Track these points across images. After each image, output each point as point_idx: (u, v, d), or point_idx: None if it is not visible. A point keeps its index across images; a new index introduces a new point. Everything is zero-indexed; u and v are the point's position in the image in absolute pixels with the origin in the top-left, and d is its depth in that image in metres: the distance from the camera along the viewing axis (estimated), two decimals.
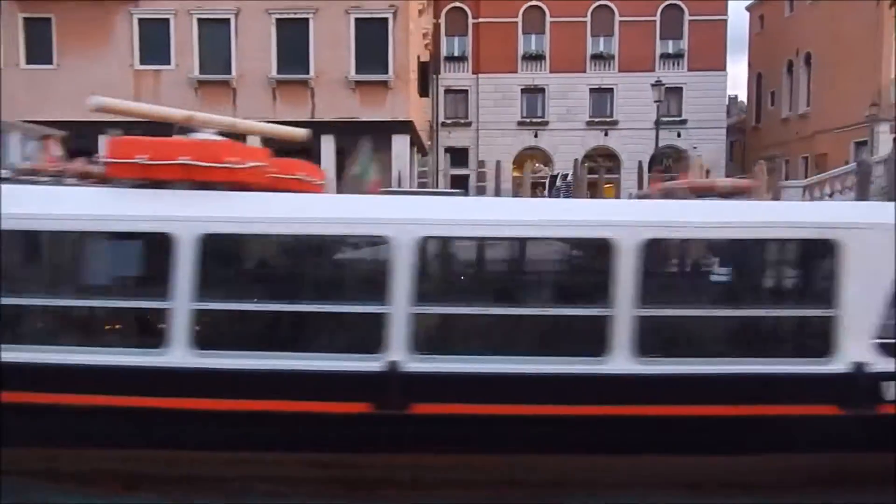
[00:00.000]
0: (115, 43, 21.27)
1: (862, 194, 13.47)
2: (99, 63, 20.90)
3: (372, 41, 20.66)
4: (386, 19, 20.61)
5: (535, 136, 35.09)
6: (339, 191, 21.43)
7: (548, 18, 34.87)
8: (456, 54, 35.66)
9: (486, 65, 35.11)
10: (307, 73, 21.10)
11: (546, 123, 35.20)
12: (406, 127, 21.14)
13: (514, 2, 34.72)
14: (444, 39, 35.50)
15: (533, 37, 35.16)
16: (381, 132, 21.12)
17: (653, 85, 26.42)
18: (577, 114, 34.79)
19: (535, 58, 35.17)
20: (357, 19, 20.91)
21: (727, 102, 39.97)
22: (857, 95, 30.28)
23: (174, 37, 21.28)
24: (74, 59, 20.82)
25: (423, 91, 26.15)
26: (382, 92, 21.01)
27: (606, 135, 33.99)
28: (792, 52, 35.85)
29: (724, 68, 34.94)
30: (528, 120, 35.25)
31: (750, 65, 41.18)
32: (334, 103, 21.07)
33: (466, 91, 35.52)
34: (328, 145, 21.31)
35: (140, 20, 21.31)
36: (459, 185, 33.93)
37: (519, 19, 34.97)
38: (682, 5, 34.50)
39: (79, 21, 20.77)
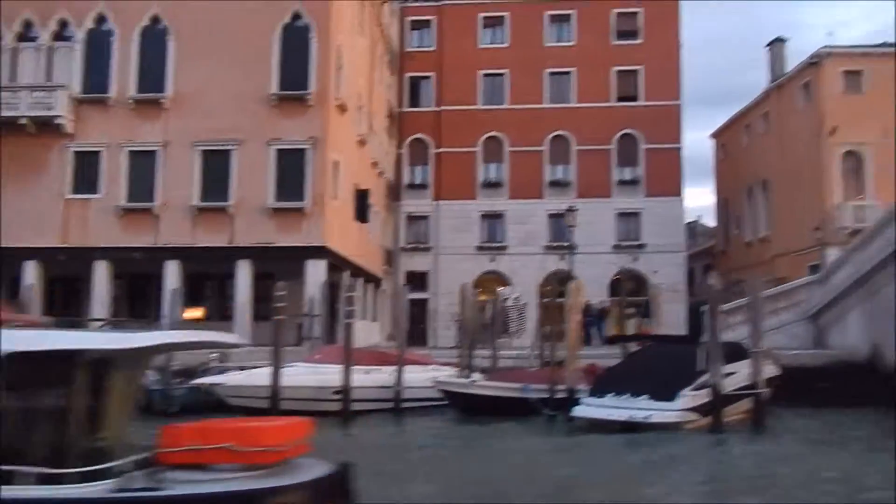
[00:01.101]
0: (49, 174, 22.26)
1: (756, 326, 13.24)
2: (32, 193, 21.83)
3: (291, 170, 21.36)
4: (305, 150, 21.37)
5: (492, 260, 35.25)
6: (255, 314, 21.75)
7: (506, 148, 35.91)
8: (418, 182, 36.64)
9: (446, 192, 35.92)
10: (227, 200, 21.74)
11: (505, 248, 35.44)
12: (321, 252, 21.40)
13: (473, 133, 35.96)
14: (406, 168, 36.68)
15: (492, 165, 36.09)
16: (297, 257, 21.46)
17: (566, 210, 27.08)
18: (535, 238, 35.01)
19: (493, 185, 35.95)
20: (277, 150, 21.74)
21: (686, 227, 40.14)
22: (810, 219, 30.23)
23: (105, 168, 22.23)
24: (10, 189, 21.69)
25: (361, 217, 26.65)
26: (298, 218, 21.47)
27: (562, 259, 33.96)
28: (751, 178, 36.24)
29: (679, 194, 35.22)
30: (486, 245, 35.56)
31: (717, 191, 41.60)
32: (252, 229, 21.55)
33: (427, 217, 36.19)
34: (244, 270, 21.62)
35: (74, 153, 22.39)
36: (419, 309, 34.10)
37: (479, 149, 36.07)
38: (637, 135, 35.35)
39: (17, 154, 21.83)
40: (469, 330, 18.37)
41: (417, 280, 34.73)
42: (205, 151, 21.95)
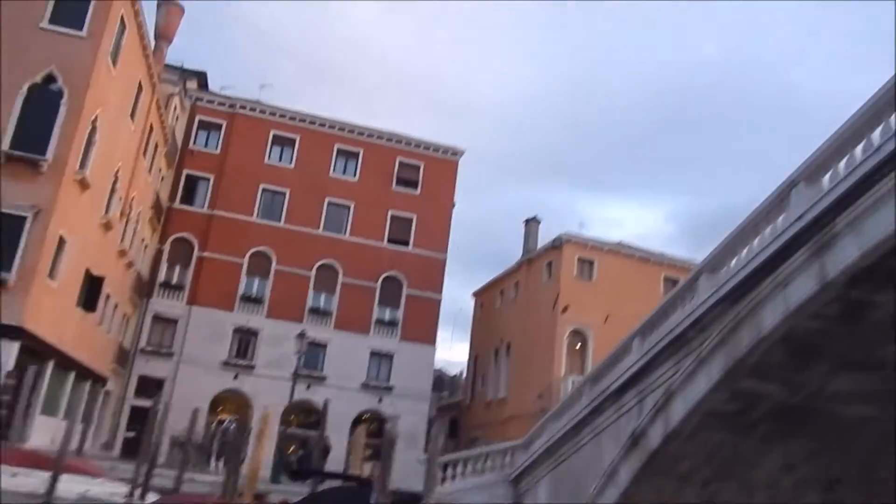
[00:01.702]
0: None
1: (386, 466, 13.25)
2: None
3: (3, 236, 19.18)
4: (24, 218, 19.44)
5: (236, 377, 33.56)
6: None
7: (273, 265, 35.45)
8: (174, 282, 34.69)
9: (203, 298, 34.27)
10: None
11: (252, 367, 34.00)
12: (16, 333, 19.00)
13: (243, 244, 35.21)
14: (164, 266, 34.71)
15: (256, 280, 35.30)
16: None
17: (296, 336, 27.14)
18: (285, 362, 34.00)
19: (253, 300, 34.97)
20: None
21: (450, 378, 41.44)
22: (539, 386, 32.36)
23: None
24: None
25: (88, 305, 24.36)
26: None
27: (308, 388, 33.15)
28: (499, 340, 38.56)
29: (433, 343, 36.49)
30: (234, 361, 33.90)
31: (471, 347, 43.67)
32: None
33: (176, 321, 34.03)
34: None
35: None
36: (141, 417, 31.05)
37: (245, 261, 35.24)
38: (402, 278, 36.62)
39: None
40: (180, 448, 16.86)
41: (152, 386, 31.92)
42: None
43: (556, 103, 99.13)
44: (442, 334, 64.44)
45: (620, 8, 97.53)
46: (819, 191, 9.66)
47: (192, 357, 33.36)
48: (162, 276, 34.56)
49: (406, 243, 37.28)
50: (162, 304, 34.16)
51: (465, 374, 49.05)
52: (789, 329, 10.26)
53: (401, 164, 38.27)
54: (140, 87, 26.96)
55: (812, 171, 9.95)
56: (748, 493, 14.17)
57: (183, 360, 33.46)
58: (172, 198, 35.61)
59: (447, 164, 39.13)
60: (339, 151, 37.66)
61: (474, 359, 42.35)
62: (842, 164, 9.56)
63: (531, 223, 38.68)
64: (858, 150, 9.16)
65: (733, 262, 11.41)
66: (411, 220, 37.59)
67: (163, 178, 34.80)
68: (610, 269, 32.21)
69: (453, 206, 39.58)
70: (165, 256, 34.85)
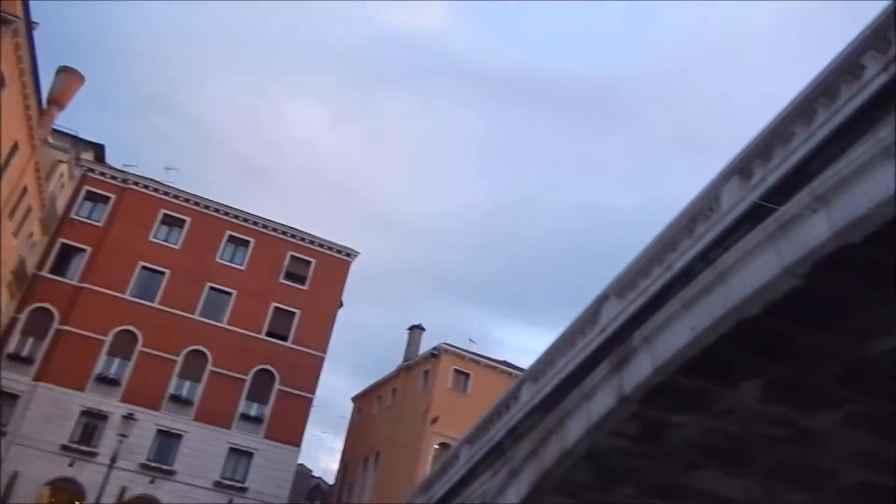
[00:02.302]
0: None
1: None
2: None
3: None
4: None
5: (72, 464, 30.64)
6: None
7: (139, 346, 33.43)
8: (24, 354, 32.08)
9: (52, 375, 31.70)
10: None
11: (95, 455, 31.16)
12: None
13: (109, 321, 33.24)
14: (16, 336, 32.18)
15: (117, 360, 33.06)
16: None
17: (123, 416, 25.29)
18: (134, 453, 31.34)
19: (110, 382, 32.59)
20: None
21: (310, 485, 39.25)
22: (403, 497, 30.91)
23: None
24: None
25: None
26: None
27: (153, 482, 30.59)
28: (370, 447, 37.13)
29: (299, 444, 34.76)
30: (74, 446, 31.07)
31: (343, 454, 41.84)
32: None
33: (18, 396, 31.18)
34: None
35: None
36: None
37: (108, 339, 33.12)
38: (275, 373, 35.19)
39: None
40: None
41: None
42: None
43: (489, 232, 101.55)
44: (321, 441, 61.65)
45: (551, 151, 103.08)
46: (625, 305, 9.85)
47: (29, 438, 30.41)
48: (11, 347, 31.95)
49: (285, 338, 36.10)
50: (5, 377, 31.35)
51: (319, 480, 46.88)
52: (593, 445, 10.13)
53: (292, 258, 37.70)
54: (16, 146, 25.89)
55: (622, 285, 10.18)
56: None
57: (16, 439, 30.44)
58: (41, 265, 33.57)
59: (339, 264, 38.80)
60: (230, 238, 36.85)
61: (344, 466, 40.49)
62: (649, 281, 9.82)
63: (415, 330, 38.37)
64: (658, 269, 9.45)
65: (551, 372, 11.37)
66: (294, 315, 36.63)
67: (34, 245, 32.93)
68: (486, 384, 31.93)
69: (341, 305, 38.97)
70: (20, 326, 32.38)
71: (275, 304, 36.39)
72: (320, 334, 36.74)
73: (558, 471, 10.58)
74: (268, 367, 35.13)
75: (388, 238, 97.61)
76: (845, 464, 9.73)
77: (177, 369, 33.56)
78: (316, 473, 50.10)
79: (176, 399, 33.15)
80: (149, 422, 31.89)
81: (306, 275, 37.67)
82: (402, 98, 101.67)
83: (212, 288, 35.40)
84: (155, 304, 34.14)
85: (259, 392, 34.71)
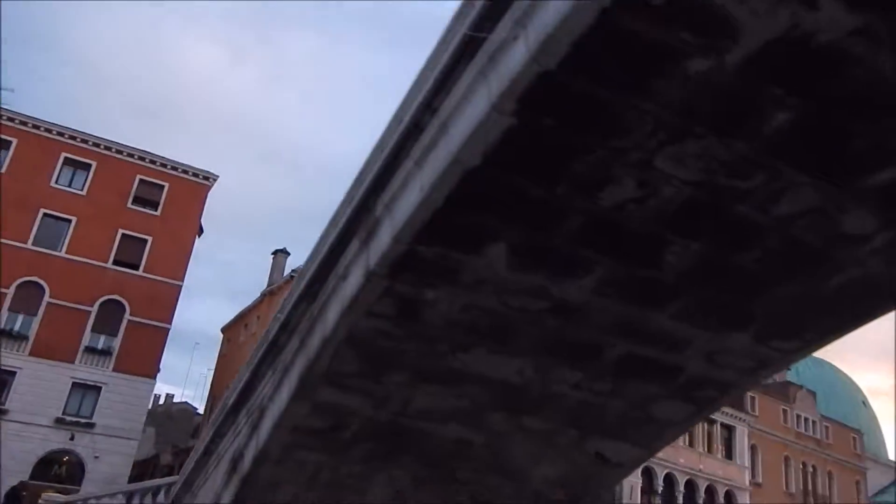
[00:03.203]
0: None
1: None
2: None
3: None
4: None
5: None
6: None
7: None
8: None
9: None
10: None
11: None
12: None
13: None
14: None
15: None
16: None
17: None
18: None
19: None
20: None
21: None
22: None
23: None
24: None
25: None
26: None
27: None
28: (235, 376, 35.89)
29: (154, 376, 33.20)
30: None
31: (212, 385, 40.54)
32: None
33: None
34: None
35: None
36: None
37: None
38: (125, 304, 33.14)
39: None
40: None
41: None
42: None
43: None
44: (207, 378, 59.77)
45: None
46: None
47: None
48: None
49: (136, 266, 33.93)
50: None
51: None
52: (351, 328, 9.35)
53: (141, 181, 35.16)
54: None
55: (375, 151, 9.28)
56: None
57: None
58: None
59: (196, 188, 36.60)
60: (67, 161, 33.87)
61: (212, 398, 39.24)
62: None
63: (279, 255, 37.03)
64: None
65: (318, 258, 10.48)
66: (145, 242, 34.39)
67: None
68: None
69: (200, 232, 36.96)
70: None
71: (122, 231, 34.01)
72: (176, 262, 34.79)
73: (323, 360, 9.79)
74: (116, 297, 33.03)
75: (283, 173, 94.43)
76: (607, 336, 9.40)
77: (7, 302, 30.94)
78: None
79: (7, 334, 30.64)
80: None
81: (159, 200, 35.31)
82: (307, 38, 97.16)
83: (46, 215, 32.59)
84: None
85: (106, 324, 32.67)
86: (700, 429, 44.10)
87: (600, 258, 8.24)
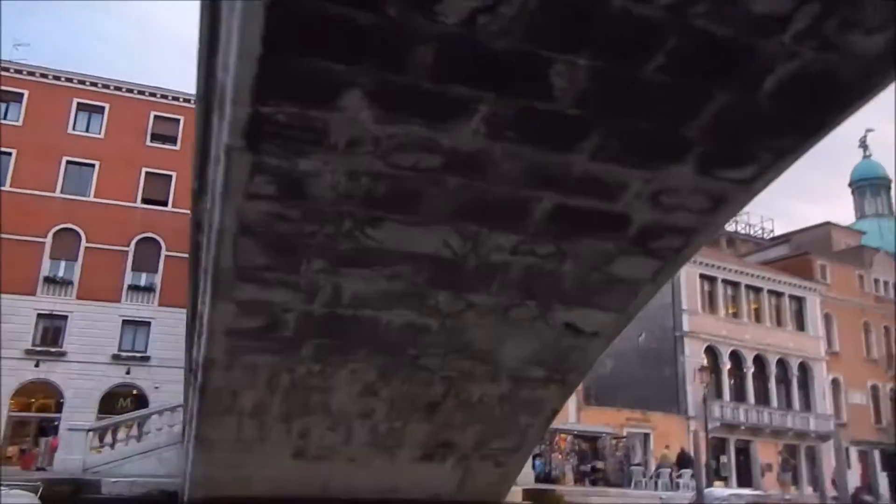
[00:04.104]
0: None
1: None
2: None
3: None
4: None
5: None
6: None
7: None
8: None
9: None
10: None
11: None
12: None
13: None
14: None
15: None
16: None
17: None
18: (15, 340, 30.27)
19: None
20: None
21: None
22: None
23: None
24: None
25: None
26: None
27: (37, 365, 29.82)
28: None
29: None
30: None
31: None
32: None
33: None
34: None
35: None
36: None
37: None
38: (160, 240, 33.61)
39: None
40: None
41: None
42: None
43: None
44: None
45: None
46: None
47: None
48: None
49: (165, 203, 34.20)
50: None
51: None
52: (241, 216, 8.45)
53: (156, 118, 34.97)
54: None
55: None
56: (345, 430, 12.68)
57: None
58: None
59: None
60: (80, 106, 33.91)
61: None
62: None
63: None
64: None
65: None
66: (170, 178, 34.49)
67: None
68: None
69: None
70: None
71: (146, 169, 34.15)
72: None
73: (226, 255, 9.03)
74: (150, 234, 33.50)
75: None
76: (524, 189, 8.19)
77: (46, 251, 31.84)
78: None
79: (52, 280, 31.68)
80: (27, 307, 30.66)
81: (176, 134, 35.13)
82: None
83: (70, 162, 32.96)
84: (7, 188, 31.80)
85: (145, 261, 33.32)
86: (767, 303, 42.19)
87: (475, 93, 6.96)
